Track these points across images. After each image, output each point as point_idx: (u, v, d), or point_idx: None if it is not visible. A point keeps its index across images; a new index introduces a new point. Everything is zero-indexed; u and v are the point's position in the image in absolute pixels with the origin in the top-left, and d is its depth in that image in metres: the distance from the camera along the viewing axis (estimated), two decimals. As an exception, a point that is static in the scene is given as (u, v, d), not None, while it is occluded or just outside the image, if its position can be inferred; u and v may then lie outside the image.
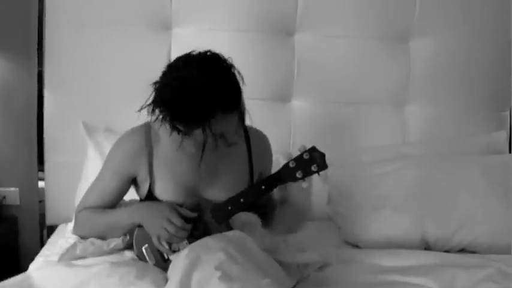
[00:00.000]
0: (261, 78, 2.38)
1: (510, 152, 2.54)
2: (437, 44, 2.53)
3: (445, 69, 2.55)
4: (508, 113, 2.64)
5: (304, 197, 1.65)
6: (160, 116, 1.50)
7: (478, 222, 2.09)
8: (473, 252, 2.09)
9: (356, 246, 2.13)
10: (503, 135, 2.54)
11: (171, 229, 1.56)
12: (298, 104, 2.47)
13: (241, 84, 1.51)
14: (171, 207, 1.60)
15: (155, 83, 1.51)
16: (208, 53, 1.50)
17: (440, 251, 2.07)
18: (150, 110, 1.51)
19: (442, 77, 2.55)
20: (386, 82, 2.52)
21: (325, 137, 2.43)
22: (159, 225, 1.58)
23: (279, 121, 2.44)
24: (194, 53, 1.51)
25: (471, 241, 2.08)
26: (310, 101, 2.47)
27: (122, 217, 1.68)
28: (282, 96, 2.46)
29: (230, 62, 1.51)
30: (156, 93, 1.50)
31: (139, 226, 1.65)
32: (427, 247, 2.09)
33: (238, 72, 1.51)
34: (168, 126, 1.52)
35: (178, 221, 1.57)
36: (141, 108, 1.53)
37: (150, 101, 1.51)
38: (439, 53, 2.54)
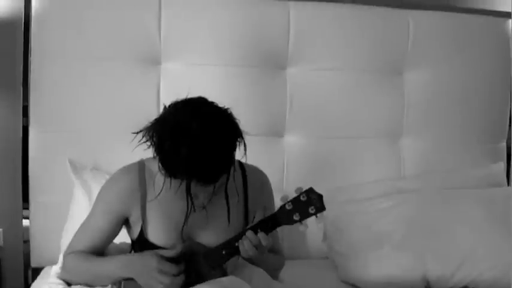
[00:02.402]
0: (253, 113, 2.32)
1: (508, 185, 2.50)
2: (431, 75, 2.51)
3: (439, 101, 2.53)
4: (504, 144, 2.61)
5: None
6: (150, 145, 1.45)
7: (480, 259, 2.04)
8: (475, 289, 2.04)
9: (354, 285, 2.06)
10: (501, 166, 2.51)
11: (166, 280, 1.49)
12: (291, 139, 2.42)
13: (237, 148, 1.46)
14: (157, 257, 1.52)
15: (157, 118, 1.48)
16: (218, 112, 1.44)
17: (442, 289, 2.01)
18: (145, 132, 1.47)
19: (437, 109, 2.53)
20: (380, 115, 2.48)
21: (320, 172, 2.39)
22: (152, 279, 1.50)
23: (271, 157, 2.38)
24: (206, 106, 1.45)
25: (474, 278, 2.03)
26: (304, 135, 2.42)
27: (109, 269, 1.59)
28: (275, 131, 2.41)
29: (236, 122, 1.45)
30: (154, 123, 1.46)
31: None
32: (427, 286, 2.03)
33: (242, 137, 1.46)
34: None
35: (169, 268, 1.50)
36: (140, 131, 1.48)
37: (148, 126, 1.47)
38: (433, 85, 2.52)
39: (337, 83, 2.43)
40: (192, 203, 1.48)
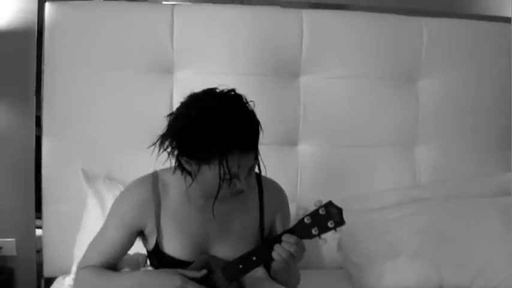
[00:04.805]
0: (266, 122, 2.23)
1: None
2: (446, 83, 2.49)
3: (454, 108, 2.51)
4: (519, 152, 2.58)
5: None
6: (169, 149, 1.46)
7: (497, 269, 2.02)
8: (492, 300, 2.01)
9: (370, 296, 2.05)
10: (516, 175, 2.48)
11: None
12: (305, 148, 2.41)
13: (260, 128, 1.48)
14: (181, 275, 1.50)
15: (171, 114, 1.48)
16: (232, 92, 1.47)
17: (458, 300, 1.99)
18: (159, 142, 1.47)
19: (452, 116, 2.51)
20: (395, 123, 2.46)
21: (334, 181, 2.37)
22: None
23: (285, 166, 2.36)
24: (217, 89, 1.48)
25: (491, 288, 2.00)
26: (318, 144, 2.41)
27: (124, 286, 1.57)
28: (289, 140, 2.39)
29: (252, 105, 1.48)
30: (169, 123, 1.47)
31: None
32: (444, 296, 2.01)
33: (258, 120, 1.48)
34: (174, 164, 1.48)
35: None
36: (154, 143, 1.48)
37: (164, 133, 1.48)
38: (448, 92, 2.50)
39: (351, 91, 2.42)
40: (230, 182, 1.45)
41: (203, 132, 1.40)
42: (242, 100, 1.47)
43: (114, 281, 1.58)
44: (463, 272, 2.01)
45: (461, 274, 2.01)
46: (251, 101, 1.48)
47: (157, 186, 1.61)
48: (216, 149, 1.40)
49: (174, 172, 1.53)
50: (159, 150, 1.47)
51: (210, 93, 1.47)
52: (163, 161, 1.51)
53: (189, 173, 1.49)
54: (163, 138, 1.48)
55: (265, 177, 1.68)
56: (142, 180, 1.64)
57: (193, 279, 1.50)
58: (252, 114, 1.46)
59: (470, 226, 2.12)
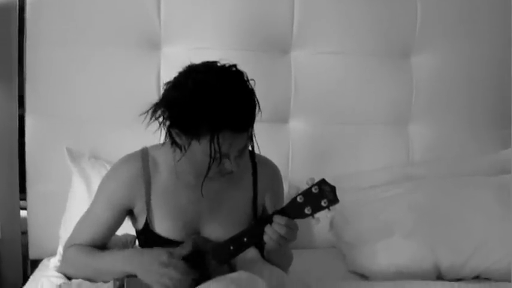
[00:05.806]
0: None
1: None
2: (440, 58, 2.45)
3: (448, 85, 2.47)
4: (512, 130, 2.56)
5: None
6: (160, 119, 1.42)
7: (492, 247, 1.99)
8: (487, 279, 1.99)
9: (363, 275, 2.02)
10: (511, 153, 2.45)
11: (176, 275, 1.42)
12: (296, 125, 2.37)
13: (257, 109, 1.43)
14: (167, 252, 1.45)
15: (168, 83, 1.43)
16: (234, 68, 1.42)
17: (454, 279, 1.97)
18: (152, 110, 1.43)
19: (446, 93, 2.47)
20: (388, 100, 2.43)
21: (326, 159, 2.34)
22: (160, 273, 1.42)
23: (276, 144, 2.32)
24: (218, 63, 1.43)
25: (486, 268, 1.98)
26: (309, 121, 2.37)
27: (112, 264, 1.52)
28: (279, 117, 2.35)
29: (252, 84, 1.43)
30: (164, 92, 1.42)
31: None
32: (439, 275, 1.99)
33: (257, 100, 1.43)
34: (165, 135, 1.44)
35: (180, 264, 1.43)
36: (146, 111, 1.44)
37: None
38: (442, 69, 2.46)
39: (343, 67, 2.37)
40: (220, 161, 1.40)
41: (197, 106, 1.35)
42: (242, 77, 1.42)
43: (102, 259, 1.54)
44: (458, 250, 1.98)
45: (456, 253, 1.98)
46: (252, 79, 1.43)
47: (147, 163, 1.56)
48: (208, 125, 1.35)
49: (163, 144, 1.47)
50: (151, 118, 1.43)
51: (209, 66, 1.42)
52: (150, 137, 1.47)
53: (179, 147, 1.44)
54: (156, 106, 1.43)
55: (260, 156, 1.64)
56: (130, 157, 1.59)
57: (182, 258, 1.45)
58: (250, 93, 1.41)
59: (465, 204, 2.09)
